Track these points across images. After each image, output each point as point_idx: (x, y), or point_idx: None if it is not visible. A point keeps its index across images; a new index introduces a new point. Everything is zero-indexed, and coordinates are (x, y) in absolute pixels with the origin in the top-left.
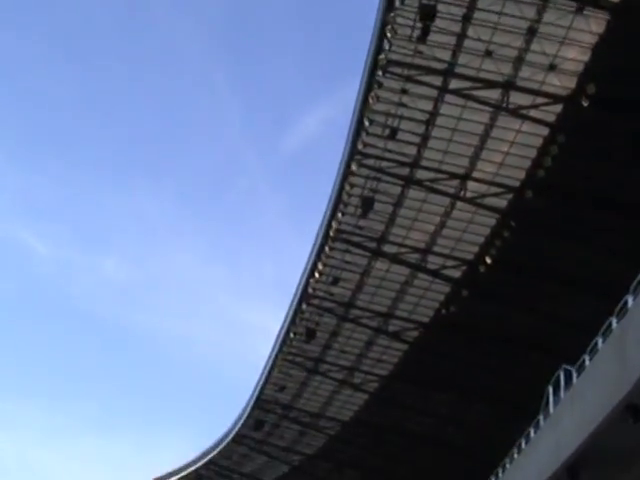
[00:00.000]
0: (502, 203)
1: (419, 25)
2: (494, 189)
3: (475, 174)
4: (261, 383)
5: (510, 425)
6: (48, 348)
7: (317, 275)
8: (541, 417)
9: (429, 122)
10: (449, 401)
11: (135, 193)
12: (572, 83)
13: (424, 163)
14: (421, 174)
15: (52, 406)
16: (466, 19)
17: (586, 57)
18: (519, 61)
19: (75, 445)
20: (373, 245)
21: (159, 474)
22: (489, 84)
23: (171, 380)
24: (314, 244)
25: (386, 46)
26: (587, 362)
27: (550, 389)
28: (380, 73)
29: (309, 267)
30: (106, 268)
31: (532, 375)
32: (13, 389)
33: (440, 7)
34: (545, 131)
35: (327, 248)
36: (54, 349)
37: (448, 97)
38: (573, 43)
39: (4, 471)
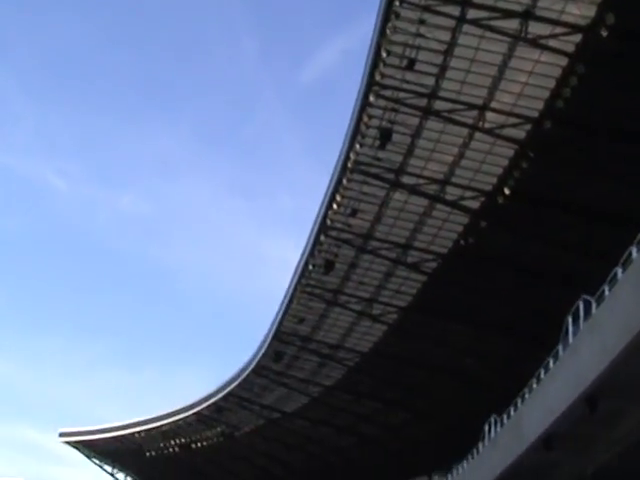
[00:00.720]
0: (520, 134)
1: None
2: (512, 120)
3: (493, 105)
4: (280, 315)
5: (528, 356)
6: (69, 284)
7: (335, 207)
8: (560, 347)
9: (447, 52)
10: (468, 332)
11: (153, 129)
12: (591, 12)
13: (442, 94)
14: (439, 105)
15: (73, 343)
16: None
17: None
18: None
19: (97, 380)
20: (391, 176)
21: (180, 406)
22: (507, 14)
23: (191, 314)
24: (332, 176)
25: None
26: (606, 292)
27: (569, 319)
28: (397, 3)
29: (327, 199)
30: (125, 204)
31: (551, 306)
32: (35, 326)
33: None
34: (564, 61)
35: (345, 180)
36: (75, 285)
37: (466, 27)
38: None
39: (30, 407)
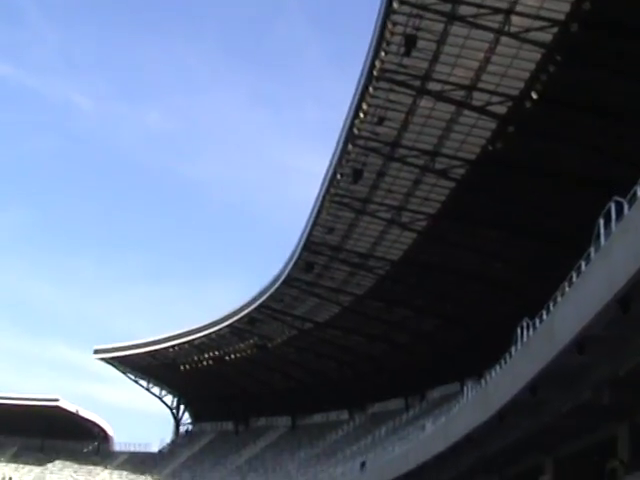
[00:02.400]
0: (547, 37)
1: None
2: (539, 23)
3: (519, 8)
4: (309, 226)
5: (560, 260)
6: (96, 202)
7: (362, 115)
8: (592, 250)
9: None
10: (497, 238)
11: (176, 44)
12: None
13: None
14: (464, 10)
15: (103, 259)
16: None
17: None
18: None
19: (129, 296)
20: (417, 83)
21: (213, 319)
22: None
23: (221, 228)
24: (358, 84)
25: None
26: (639, 193)
27: (601, 222)
28: None
29: (353, 108)
30: (150, 120)
31: (581, 210)
32: (67, 246)
33: None
34: None
35: (371, 88)
36: (102, 202)
37: None
38: None
39: (64, 326)
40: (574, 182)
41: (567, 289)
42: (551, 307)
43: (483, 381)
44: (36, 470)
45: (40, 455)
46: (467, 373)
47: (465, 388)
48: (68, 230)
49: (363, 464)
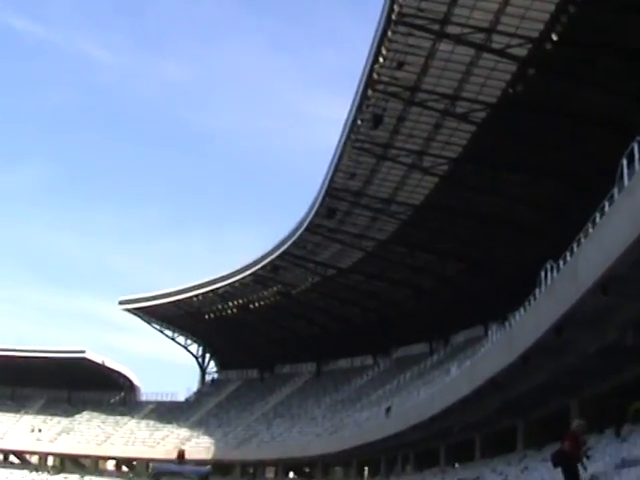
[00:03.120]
0: None
1: None
2: None
3: None
4: (331, 172)
5: (583, 202)
6: (117, 154)
7: (381, 60)
8: (615, 190)
9: None
10: (519, 181)
11: None
12: None
13: None
14: None
15: (125, 212)
16: None
17: None
18: None
19: (150, 247)
20: (436, 27)
21: (236, 267)
22: None
23: (241, 177)
24: (376, 29)
25: None
26: None
27: (624, 162)
28: None
29: (372, 53)
30: (170, 71)
31: (603, 151)
32: (86, 198)
33: None
34: None
35: (390, 32)
36: (122, 155)
37: None
38: None
39: (89, 278)
40: (595, 124)
41: (591, 230)
42: (575, 248)
43: (507, 324)
44: (64, 422)
45: (67, 407)
46: (491, 317)
47: (489, 331)
48: (90, 183)
49: (388, 409)
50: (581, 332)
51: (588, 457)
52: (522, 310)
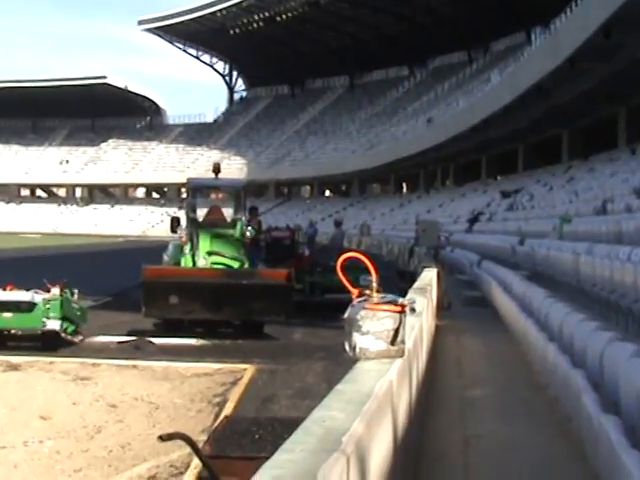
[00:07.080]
0: None
1: None
2: None
3: None
4: None
5: None
6: None
7: None
8: None
9: None
10: None
11: None
12: None
13: None
14: None
15: None
16: None
17: None
18: None
19: None
20: None
21: None
22: None
23: None
24: None
25: None
26: None
27: None
28: None
29: None
30: None
31: None
32: None
33: None
34: None
35: None
36: None
37: None
38: None
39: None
40: None
41: None
42: None
43: (552, 27)
44: (90, 151)
45: (92, 135)
46: (533, 21)
47: (532, 36)
48: None
49: (429, 120)
50: (631, 34)
51: None
52: (568, 12)
